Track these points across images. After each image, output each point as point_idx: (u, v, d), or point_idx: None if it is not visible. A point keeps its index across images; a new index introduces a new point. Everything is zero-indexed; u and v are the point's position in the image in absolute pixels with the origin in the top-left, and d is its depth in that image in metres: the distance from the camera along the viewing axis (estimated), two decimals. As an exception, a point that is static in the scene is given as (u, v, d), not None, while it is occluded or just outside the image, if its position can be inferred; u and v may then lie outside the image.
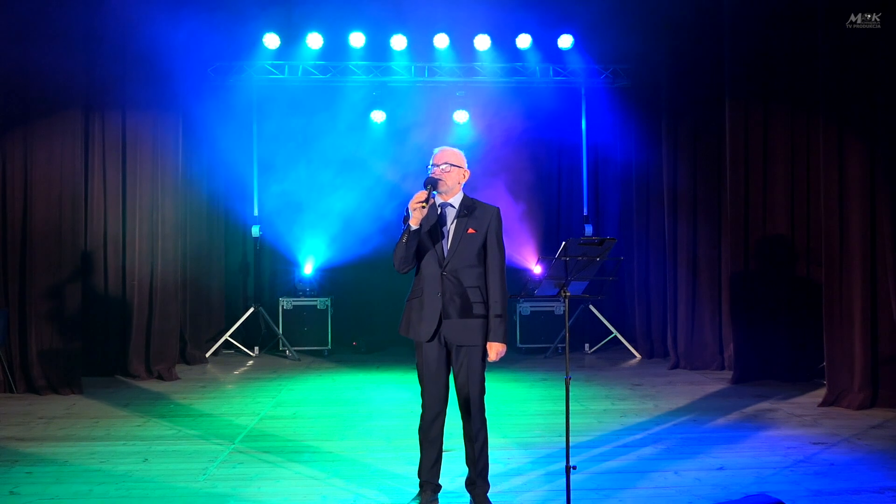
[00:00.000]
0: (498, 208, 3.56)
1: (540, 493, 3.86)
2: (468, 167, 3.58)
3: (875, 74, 5.62)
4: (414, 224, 3.35)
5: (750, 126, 6.80)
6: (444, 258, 3.46)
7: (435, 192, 3.48)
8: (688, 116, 7.59)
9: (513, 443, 4.77)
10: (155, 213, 7.20)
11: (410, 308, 3.54)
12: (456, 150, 3.57)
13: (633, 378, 7.10)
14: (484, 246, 3.49)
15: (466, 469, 3.61)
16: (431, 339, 3.46)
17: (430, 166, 3.52)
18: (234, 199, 8.70)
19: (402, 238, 3.37)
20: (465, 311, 3.43)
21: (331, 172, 9.19)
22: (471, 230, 3.46)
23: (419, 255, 3.49)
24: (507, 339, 3.49)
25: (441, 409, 3.53)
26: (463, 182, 3.56)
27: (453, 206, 3.53)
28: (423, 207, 3.31)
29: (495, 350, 3.46)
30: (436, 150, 3.57)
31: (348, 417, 5.57)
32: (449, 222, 3.51)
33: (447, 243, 3.48)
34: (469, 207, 3.52)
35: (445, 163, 3.49)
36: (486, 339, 3.46)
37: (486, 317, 3.46)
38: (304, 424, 5.35)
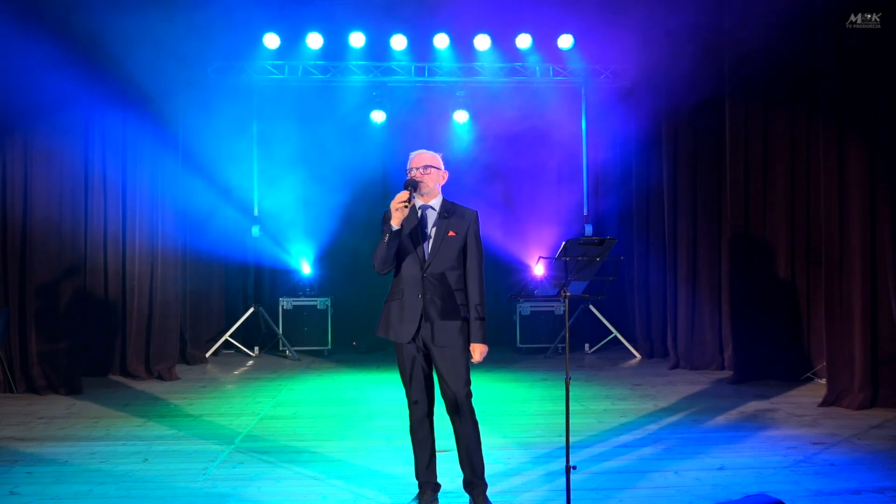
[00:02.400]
0: (476, 211, 3.57)
1: (540, 492, 3.86)
2: (454, 169, 3.61)
3: (875, 74, 5.62)
4: (395, 224, 3.35)
5: (750, 126, 6.81)
6: (425, 260, 3.46)
7: (415, 194, 3.48)
8: (688, 116, 7.59)
9: (513, 443, 4.77)
10: (155, 213, 7.20)
11: (389, 309, 3.54)
12: (432, 152, 3.58)
13: (633, 378, 7.10)
14: (464, 248, 3.50)
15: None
16: (411, 341, 3.46)
17: (408, 170, 3.53)
18: (234, 199, 8.70)
19: (382, 239, 3.38)
20: (446, 312, 3.43)
21: (331, 172, 9.18)
22: (451, 233, 3.48)
23: (399, 256, 3.49)
24: (488, 340, 3.49)
25: (426, 409, 3.53)
26: (442, 183, 3.57)
27: (434, 209, 3.54)
28: (406, 207, 3.32)
29: (479, 351, 3.46)
30: (412, 155, 3.57)
31: (348, 417, 5.57)
32: (430, 224, 3.52)
33: (428, 245, 3.48)
34: (449, 210, 3.53)
35: (423, 165, 3.50)
36: (467, 340, 3.46)
37: (465, 319, 3.47)
38: (304, 424, 5.35)
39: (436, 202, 3.55)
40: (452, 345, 3.44)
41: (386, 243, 3.38)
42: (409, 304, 3.46)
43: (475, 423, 3.50)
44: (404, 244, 3.47)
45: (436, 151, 3.61)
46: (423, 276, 3.45)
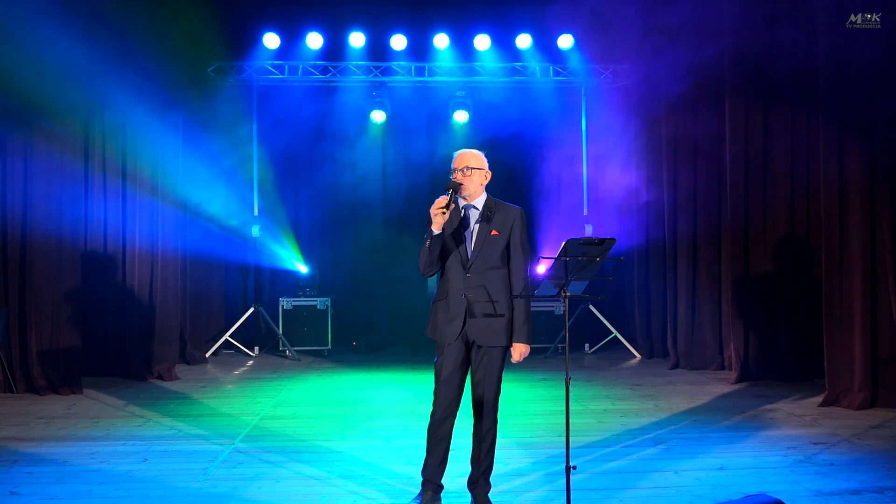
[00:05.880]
0: (521, 209, 3.58)
1: (540, 493, 3.86)
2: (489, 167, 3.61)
3: (875, 74, 5.62)
4: (436, 229, 3.36)
5: (750, 126, 6.81)
6: (467, 260, 3.48)
7: (457, 197, 3.50)
8: (688, 116, 7.59)
9: (513, 443, 4.77)
10: (155, 213, 7.20)
11: (437, 309, 3.56)
12: (476, 152, 3.59)
13: (633, 378, 7.10)
14: (508, 247, 3.51)
15: (466, 468, 3.62)
16: (456, 340, 3.48)
17: (450, 172, 3.53)
18: (234, 199, 8.70)
19: (425, 243, 3.40)
20: (489, 312, 3.45)
21: (331, 172, 9.20)
22: (494, 232, 3.49)
23: (444, 257, 3.52)
24: (531, 340, 3.52)
25: (454, 409, 3.53)
26: (485, 183, 3.58)
27: (476, 208, 3.55)
28: (444, 213, 3.32)
29: (519, 351, 3.49)
30: (455, 154, 3.58)
31: (348, 417, 5.57)
32: (472, 224, 3.53)
33: (471, 245, 3.50)
34: (492, 209, 3.54)
35: (466, 166, 3.50)
36: (509, 340, 3.48)
37: (509, 318, 3.48)
38: (304, 424, 5.35)
39: (479, 201, 3.56)
40: (495, 344, 3.46)
41: (428, 248, 3.40)
42: (454, 304, 3.48)
43: (495, 423, 3.53)
44: (448, 245, 3.49)
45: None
46: (465, 276, 3.47)
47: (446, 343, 3.49)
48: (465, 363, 3.53)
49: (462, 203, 3.56)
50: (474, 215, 3.54)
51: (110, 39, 6.73)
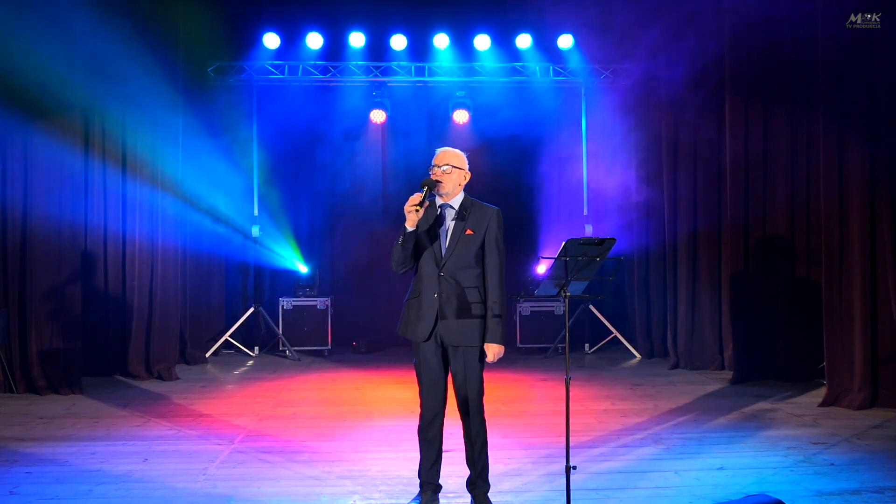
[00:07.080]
0: (498, 209, 3.55)
1: (540, 493, 3.86)
2: (469, 168, 3.59)
3: (875, 74, 5.62)
4: (409, 226, 3.34)
5: (750, 126, 6.81)
6: (441, 259, 3.46)
7: (434, 194, 3.49)
8: (688, 116, 7.58)
9: (513, 443, 4.78)
10: (155, 213, 7.21)
11: (409, 308, 3.54)
12: (457, 151, 3.57)
13: (633, 378, 7.10)
14: (483, 247, 3.49)
15: (465, 468, 3.62)
16: (427, 339, 3.46)
17: (430, 167, 3.52)
18: (234, 199, 8.70)
19: (398, 239, 3.38)
20: (462, 311, 3.42)
21: (330, 172, 9.20)
22: (469, 231, 3.47)
23: (418, 255, 3.49)
24: (506, 340, 3.49)
25: (439, 409, 3.53)
26: (464, 183, 3.56)
27: (453, 207, 3.53)
28: (417, 210, 3.30)
29: (493, 351, 3.45)
30: (437, 151, 3.56)
31: (348, 417, 5.57)
32: (447, 223, 3.51)
33: (445, 244, 3.48)
34: (468, 208, 3.52)
35: (446, 164, 3.49)
36: (483, 340, 3.45)
37: (483, 317, 3.45)
38: (304, 424, 5.35)
39: (455, 201, 3.53)
40: (468, 344, 3.44)
41: (401, 245, 3.38)
42: (426, 302, 3.46)
43: (483, 423, 3.52)
44: (422, 243, 3.47)
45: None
46: (439, 275, 3.45)
47: (419, 342, 3.48)
48: (443, 362, 3.51)
49: (439, 202, 3.54)
50: (450, 214, 3.52)
51: (111, 39, 6.73)
